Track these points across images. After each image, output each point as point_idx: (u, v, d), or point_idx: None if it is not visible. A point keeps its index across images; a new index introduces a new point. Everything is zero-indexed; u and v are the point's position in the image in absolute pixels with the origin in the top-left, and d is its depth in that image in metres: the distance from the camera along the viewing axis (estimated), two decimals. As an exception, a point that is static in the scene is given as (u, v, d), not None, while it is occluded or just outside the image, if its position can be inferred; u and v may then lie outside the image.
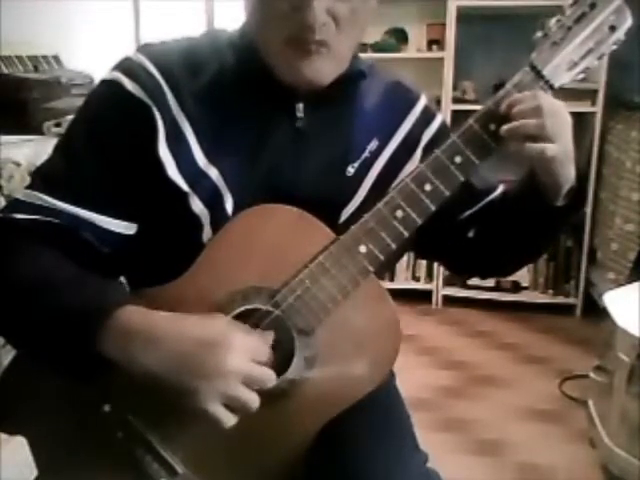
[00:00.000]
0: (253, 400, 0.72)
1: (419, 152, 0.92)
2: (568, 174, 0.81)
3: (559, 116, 0.77)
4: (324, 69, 0.79)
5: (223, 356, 0.70)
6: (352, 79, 0.88)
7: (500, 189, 0.97)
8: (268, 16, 0.77)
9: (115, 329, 0.71)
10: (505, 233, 0.91)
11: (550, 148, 0.76)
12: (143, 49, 0.83)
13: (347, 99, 0.89)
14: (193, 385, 0.70)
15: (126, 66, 0.81)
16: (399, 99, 0.93)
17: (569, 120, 0.79)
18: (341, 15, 0.76)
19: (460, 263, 1.02)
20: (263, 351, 0.74)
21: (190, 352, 0.70)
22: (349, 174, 0.87)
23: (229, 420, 0.71)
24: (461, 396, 2.33)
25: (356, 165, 0.88)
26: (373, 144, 0.89)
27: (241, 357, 0.71)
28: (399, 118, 0.92)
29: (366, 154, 0.88)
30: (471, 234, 0.95)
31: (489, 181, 0.96)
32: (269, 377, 0.73)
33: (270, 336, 0.77)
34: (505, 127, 0.77)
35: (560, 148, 0.77)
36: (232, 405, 0.71)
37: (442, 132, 0.93)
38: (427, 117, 0.94)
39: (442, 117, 0.96)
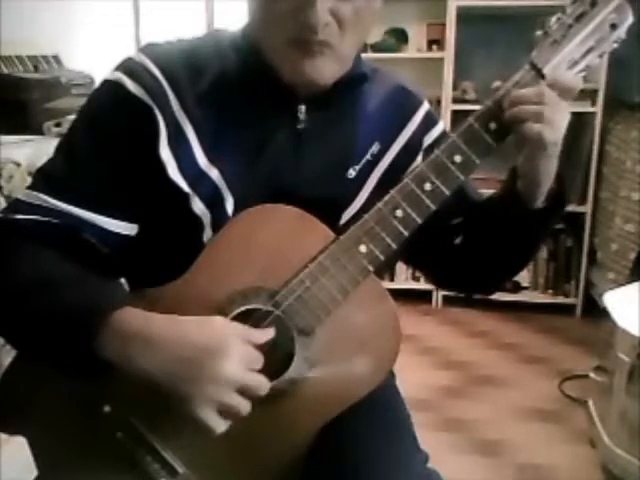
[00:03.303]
0: (245, 408, 0.72)
1: (420, 157, 0.92)
2: (550, 170, 0.81)
3: (558, 106, 0.76)
4: (326, 70, 0.79)
5: (219, 363, 0.70)
6: (354, 82, 0.87)
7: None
8: (270, 16, 0.77)
9: (113, 330, 0.71)
10: (488, 241, 0.90)
11: (548, 132, 0.75)
12: (145, 49, 0.83)
13: (349, 102, 0.88)
14: (188, 390, 0.70)
15: (128, 66, 0.81)
16: (402, 103, 0.92)
17: (567, 114, 0.77)
18: (344, 16, 0.76)
19: (442, 271, 0.99)
20: (259, 358, 0.74)
21: (187, 357, 0.70)
22: (350, 177, 0.87)
23: (220, 427, 0.71)
24: (461, 396, 2.33)
25: (357, 168, 0.87)
26: (375, 148, 0.88)
27: (237, 365, 0.71)
28: (401, 122, 0.92)
29: (368, 157, 0.88)
30: (457, 241, 0.93)
31: (482, 193, 0.96)
32: (263, 386, 0.73)
33: (271, 332, 0.77)
34: (508, 112, 0.77)
35: (553, 135, 0.76)
36: (224, 412, 0.71)
37: (442, 140, 0.92)
38: (429, 123, 0.94)
39: (443, 125, 0.96)
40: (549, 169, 0.81)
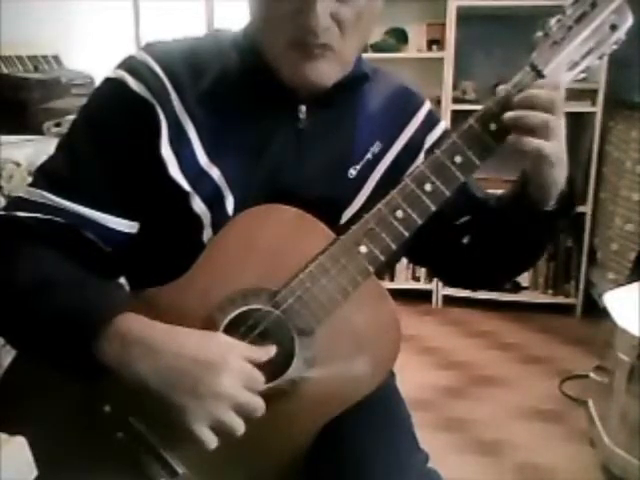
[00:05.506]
0: (239, 427, 0.71)
1: (422, 157, 0.92)
2: (557, 177, 0.79)
3: (561, 116, 0.76)
4: (327, 72, 0.79)
5: (218, 378, 0.70)
6: (356, 82, 0.87)
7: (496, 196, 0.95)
8: (271, 18, 0.77)
9: (113, 335, 0.71)
10: (497, 240, 0.89)
11: (547, 146, 0.75)
12: (147, 48, 0.83)
13: (350, 102, 0.88)
14: (183, 402, 0.69)
15: (130, 65, 0.81)
16: (403, 103, 0.92)
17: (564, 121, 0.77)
18: (345, 19, 0.76)
19: (452, 271, 0.99)
20: (258, 377, 0.74)
21: (186, 369, 0.70)
22: (351, 176, 0.87)
23: (212, 442, 0.71)
24: (461, 396, 2.33)
25: (358, 168, 0.87)
26: (376, 147, 0.88)
27: (235, 382, 0.71)
28: (403, 122, 0.91)
29: (368, 157, 0.88)
30: (465, 240, 0.93)
31: (487, 191, 0.95)
32: (259, 407, 0.73)
33: (272, 350, 0.76)
34: (510, 114, 0.75)
35: (554, 148, 0.76)
36: (218, 428, 0.71)
37: (444, 139, 0.92)
38: (431, 122, 0.93)
39: (445, 124, 0.96)
40: (555, 176, 0.79)
